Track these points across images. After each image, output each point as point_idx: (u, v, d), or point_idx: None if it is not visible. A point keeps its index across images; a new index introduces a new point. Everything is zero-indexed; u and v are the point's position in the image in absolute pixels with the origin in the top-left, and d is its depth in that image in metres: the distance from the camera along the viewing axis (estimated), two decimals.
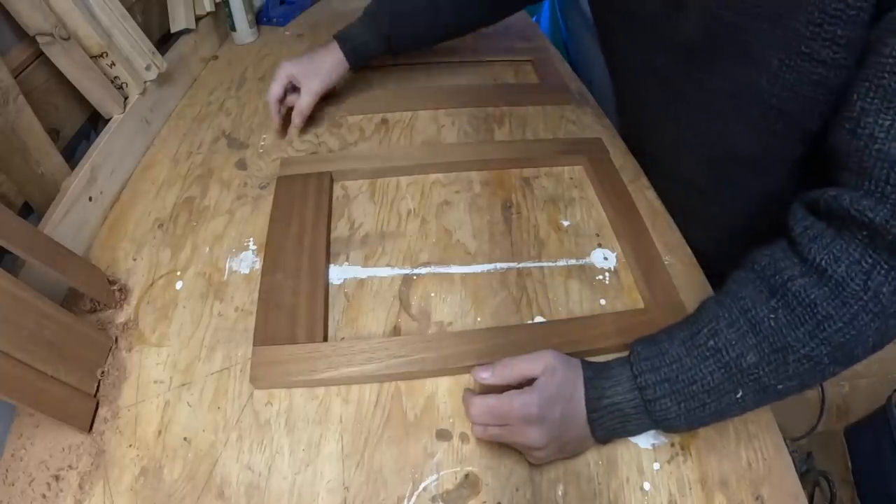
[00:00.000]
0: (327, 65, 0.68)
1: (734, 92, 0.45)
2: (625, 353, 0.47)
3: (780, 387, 0.36)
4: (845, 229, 0.35)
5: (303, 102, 0.68)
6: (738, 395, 0.36)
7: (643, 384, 0.38)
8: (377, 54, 0.71)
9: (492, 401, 0.39)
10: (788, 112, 0.42)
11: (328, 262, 0.55)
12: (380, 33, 0.68)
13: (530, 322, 0.50)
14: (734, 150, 0.49)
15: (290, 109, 0.70)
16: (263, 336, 0.47)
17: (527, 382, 0.39)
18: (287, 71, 0.67)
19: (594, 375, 0.39)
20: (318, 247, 0.54)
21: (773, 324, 0.35)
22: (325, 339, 0.48)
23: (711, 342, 0.37)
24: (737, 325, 0.36)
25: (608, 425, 0.39)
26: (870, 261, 0.33)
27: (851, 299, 0.33)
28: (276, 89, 0.67)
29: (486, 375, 0.40)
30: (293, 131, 0.71)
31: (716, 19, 0.43)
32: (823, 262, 0.34)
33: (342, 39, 0.69)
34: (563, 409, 0.38)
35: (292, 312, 0.48)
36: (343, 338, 0.49)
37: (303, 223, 0.57)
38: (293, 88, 0.69)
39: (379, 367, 0.45)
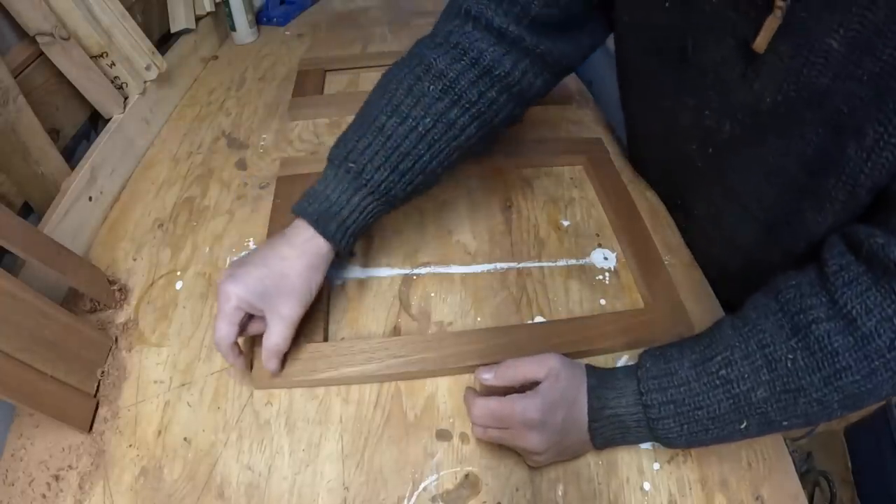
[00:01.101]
0: (305, 267, 0.43)
1: (811, 161, 0.38)
2: (626, 354, 0.47)
3: (785, 422, 0.35)
4: (885, 281, 0.32)
5: (274, 340, 0.42)
6: (743, 426, 0.36)
7: (648, 402, 0.37)
8: (376, 219, 0.46)
9: (493, 403, 0.39)
10: (884, 188, 0.35)
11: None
12: (376, 188, 0.44)
13: (530, 322, 0.50)
14: (803, 222, 0.41)
15: (257, 337, 0.45)
16: None
17: (529, 385, 0.39)
18: (237, 300, 0.41)
19: (598, 384, 0.39)
20: None
21: (789, 365, 0.34)
22: (326, 339, 0.48)
23: (723, 371, 0.36)
24: (752, 359, 0.35)
25: (608, 434, 0.39)
26: None
27: (874, 354, 0.32)
28: (225, 330, 0.41)
29: (489, 377, 0.40)
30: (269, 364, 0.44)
31: (801, 81, 0.35)
32: (854, 312, 0.32)
33: (318, 217, 0.43)
34: (566, 414, 0.38)
35: None
36: (343, 338, 0.49)
37: None
38: (251, 315, 0.43)
39: (379, 367, 0.45)
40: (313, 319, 0.48)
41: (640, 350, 0.41)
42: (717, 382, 0.36)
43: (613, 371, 0.40)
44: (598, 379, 0.39)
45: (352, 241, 0.45)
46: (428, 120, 0.44)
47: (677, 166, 0.54)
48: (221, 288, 0.41)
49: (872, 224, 0.35)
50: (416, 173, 0.45)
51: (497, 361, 0.41)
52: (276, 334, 0.42)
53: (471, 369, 0.45)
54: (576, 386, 0.39)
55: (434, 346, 0.46)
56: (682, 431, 0.37)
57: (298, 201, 0.45)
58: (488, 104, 0.46)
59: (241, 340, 0.44)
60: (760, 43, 0.36)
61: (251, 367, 0.45)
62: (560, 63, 0.49)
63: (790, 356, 0.34)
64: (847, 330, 0.33)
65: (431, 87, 0.44)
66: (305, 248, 0.43)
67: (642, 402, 0.37)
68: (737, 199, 0.47)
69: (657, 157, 0.60)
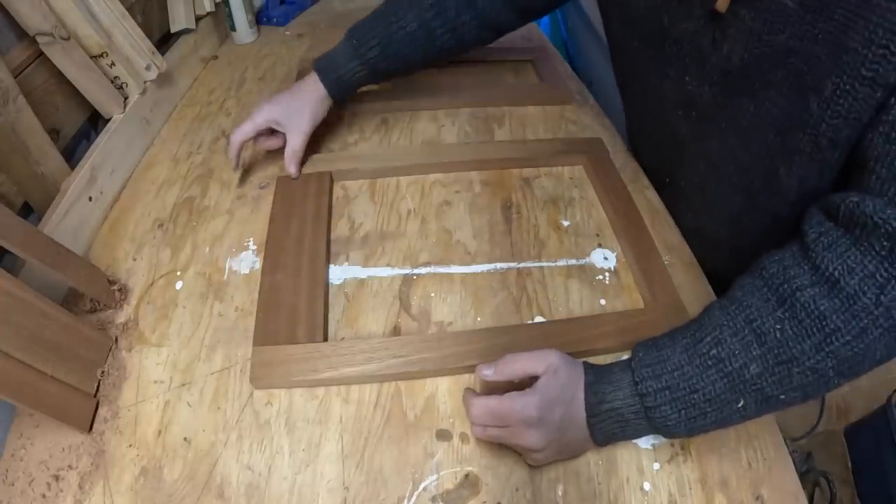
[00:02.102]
0: (312, 101, 0.61)
1: (779, 120, 0.41)
2: (626, 353, 0.47)
3: (782, 397, 0.35)
4: (863, 239, 0.33)
5: (294, 144, 0.61)
6: (740, 405, 0.36)
7: (644, 391, 0.37)
8: (364, 83, 0.64)
9: (492, 402, 0.39)
10: (845, 140, 0.37)
11: (328, 262, 0.55)
12: (367, 60, 0.60)
13: (530, 322, 0.50)
14: (778, 181, 0.44)
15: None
16: (263, 336, 0.47)
17: (528, 381, 0.39)
18: (268, 115, 0.60)
19: (595, 380, 0.39)
20: (318, 247, 0.54)
21: (778, 335, 0.34)
22: (325, 339, 0.48)
23: (714, 351, 0.36)
24: (741, 335, 0.36)
25: (607, 430, 0.39)
26: (885, 274, 0.32)
27: (862, 313, 0.32)
28: (248, 128, 0.60)
29: (489, 373, 0.40)
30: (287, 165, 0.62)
31: (763, 41, 0.39)
32: (836, 273, 0.33)
33: (324, 70, 0.62)
34: (564, 411, 0.38)
35: (292, 312, 0.48)
36: (343, 338, 0.49)
37: (303, 223, 0.57)
38: (271, 131, 0.62)
39: (379, 367, 0.45)
40: (313, 319, 0.48)
41: None
42: (710, 363, 0.36)
43: (610, 366, 0.40)
44: (596, 375, 0.39)
45: (342, 92, 0.63)
46: (415, 24, 0.59)
47: (666, 140, 0.57)
48: (260, 106, 0.60)
49: (847, 191, 0.36)
50: (398, 59, 0.62)
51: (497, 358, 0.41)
52: (295, 142, 0.61)
53: (471, 369, 0.45)
54: (574, 382, 0.39)
55: (434, 346, 0.46)
56: (679, 418, 0.37)
57: (318, 58, 0.63)
58: (462, 24, 0.60)
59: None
60: (721, 3, 0.40)
61: (240, 171, 0.64)
62: (525, 8, 0.62)
63: (778, 327, 0.35)
64: (832, 292, 0.33)
65: (425, 0, 0.59)
66: (314, 88, 0.62)
67: (638, 391, 0.38)
68: (717, 167, 0.50)
69: (649, 135, 0.63)
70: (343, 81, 0.62)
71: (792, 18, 0.36)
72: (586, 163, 0.66)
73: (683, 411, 0.37)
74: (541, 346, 0.40)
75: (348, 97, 0.65)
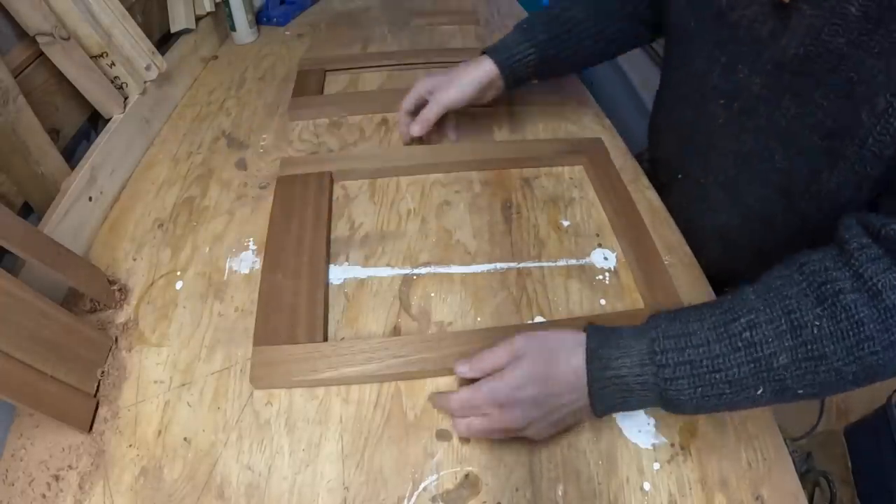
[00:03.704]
0: (467, 76, 0.62)
1: (826, 124, 0.41)
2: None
3: (800, 391, 0.35)
4: None
5: (427, 112, 0.63)
6: (759, 392, 0.35)
7: (664, 362, 0.36)
8: (533, 72, 0.64)
9: (463, 392, 0.40)
10: (889, 157, 0.38)
11: (328, 262, 0.55)
12: (538, 43, 0.61)
13: (530, 322, 0.50)
14: (819, 184, 0.44)
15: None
16: (263, 336, 0.47)
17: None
18: (423, 85, 0.64)
19: (599, 345, 0.38)
20: (318, 247, 0.54)
21: (815, 331, 0.34)
22: (325, 339, 0.48)
23: (747, 334, 0.35)
24: (776, 324, 0.35)
25: (608, 399, 0.38)
26: None
27: (895, 328, 0.33)
28: (407, 102, 0.65)
29: (464, 370, 0.41)
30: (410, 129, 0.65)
31: (821, 40, 0.39)
32: (879, 285, 0.33)
33: (496, 52, 0.63)
34: (538, 390, 0.38)
35: (292, 312, 0.48)
36: (343, 338, 0.49)
37: (303, 223, 0.57)
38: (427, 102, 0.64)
39: (379, 367, 0.45)
40: (313, 319, 0.48)
41: None
42: (740, 345, 0.35)
43: (618, 331, 0.39)
44: (600, 341, 0.39)
45: (515, 75, 0.63)
46: (581, 15, 0.62)
47: (697, 128, 0.56)
48: (417, 78, 0.65)
49: (883, 214, 0.36)
50: (568, 47, 0.63)
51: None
52: (430, 109, 0.63)
53: None
54: (546, 361, 0.39)
55: (434, 346, 0.46)
56: (693, 394, 0.36)
57: (486, 47, 0.64)
58: (626, 16, 0.63)
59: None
60: None
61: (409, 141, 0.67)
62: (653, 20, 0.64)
63: (816, 323, 0.34)
64: (872, 302, 0.34)
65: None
66: (485, 69, 0.62)
67: (656, 361, 0.37)
68: (749, 165, 0.50)
69: (678, 126, 0.62)
70: (515, 63, 0.62)
71: (852, 25, 0.36)
72: (586, 163, 0.66)
73: (700, 388, 0.36)
74: None
75: (514, 86, 0.65)
